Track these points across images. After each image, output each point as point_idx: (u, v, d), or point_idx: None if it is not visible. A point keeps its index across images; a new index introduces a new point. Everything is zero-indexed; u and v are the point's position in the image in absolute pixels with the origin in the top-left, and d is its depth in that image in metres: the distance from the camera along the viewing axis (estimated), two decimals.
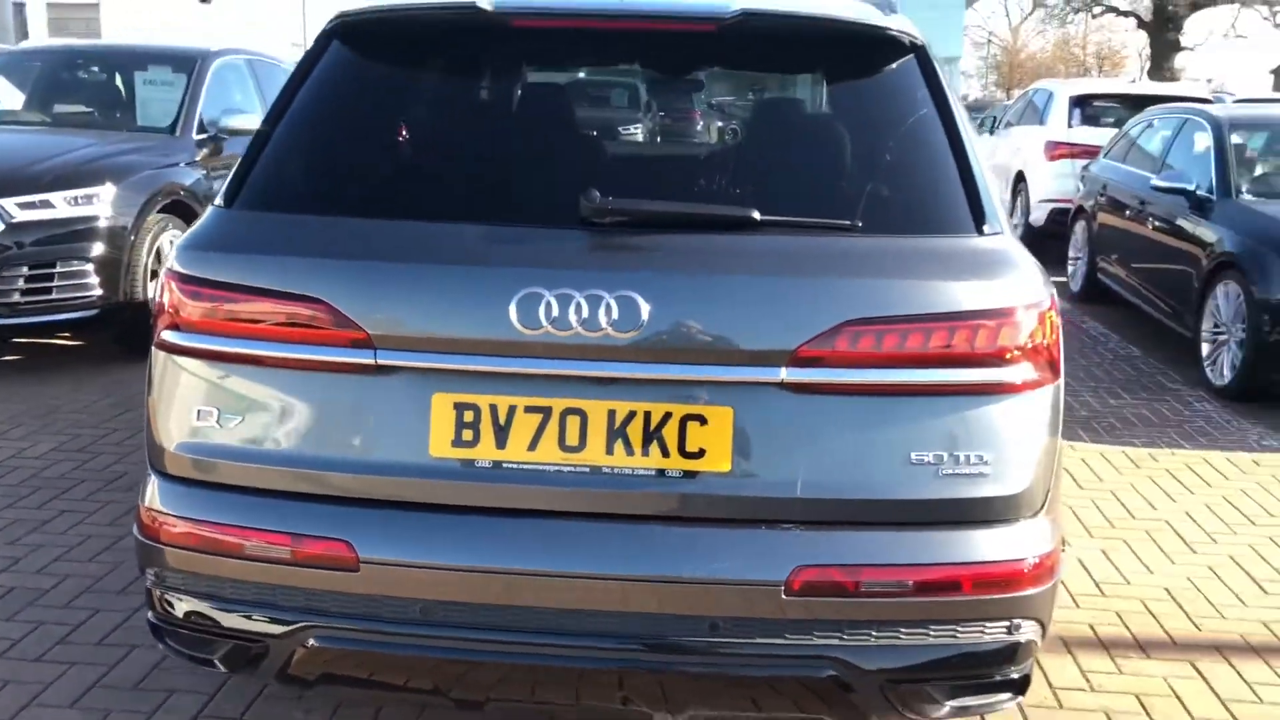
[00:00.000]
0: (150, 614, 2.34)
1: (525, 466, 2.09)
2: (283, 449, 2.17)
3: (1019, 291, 2.13)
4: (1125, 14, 52.11)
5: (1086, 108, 10.91)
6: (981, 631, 2.12)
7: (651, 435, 2.07)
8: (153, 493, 2.28)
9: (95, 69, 7.60)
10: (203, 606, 2.23)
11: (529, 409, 2.09)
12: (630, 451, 2.08)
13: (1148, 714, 2.91)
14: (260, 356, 2.17)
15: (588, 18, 2.38)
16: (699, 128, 2.57)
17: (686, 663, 2.10)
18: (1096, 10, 52.29)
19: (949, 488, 2.09)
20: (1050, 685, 3.02)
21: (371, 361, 2.10)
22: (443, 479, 2.11)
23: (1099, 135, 9.89)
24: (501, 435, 2.09)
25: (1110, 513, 4.34)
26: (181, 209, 6.39)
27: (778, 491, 2.07)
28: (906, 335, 2.06)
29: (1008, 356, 2.10)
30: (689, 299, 2.06)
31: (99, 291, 5.80)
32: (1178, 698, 2.99)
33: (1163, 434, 5.35)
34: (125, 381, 5.71)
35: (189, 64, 7.16)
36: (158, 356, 2.28)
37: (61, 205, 5.69)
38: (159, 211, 6.18)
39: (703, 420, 2.07)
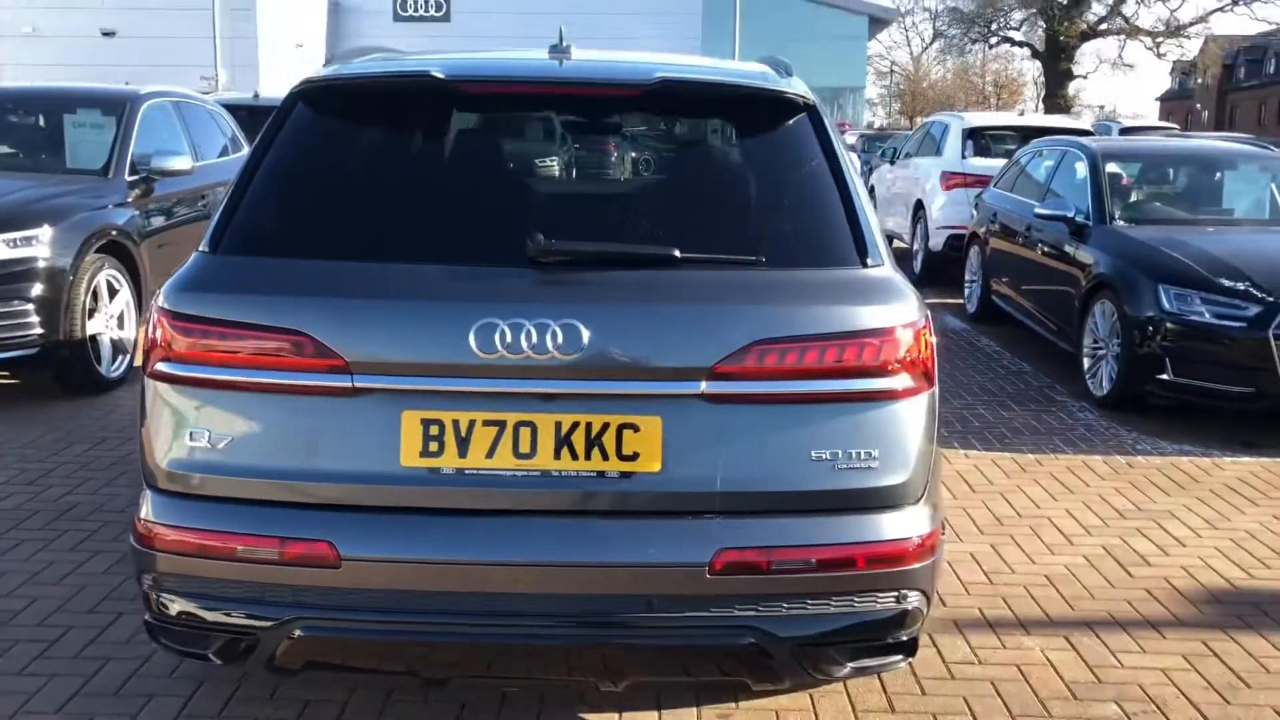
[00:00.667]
0: (147, 615, 2.62)
1: (484, 472, 2.43)
2: (269, 463, 2.47)
3: (897, 313, 2.53)
4: (1020, 44, 54.39)
5: (979, 139, 11.56)
6: (875, 601, 2.50)
7: (592, 442, 2.43)
8: (149, 506, 2.56)
9: (23, 112, 7.74)
10: (197, 606, 2.52)
11: (486, 422, 2.43)
12: (575, 457, 2.43)
13: (1026, 680, 3.33)
14: (248, 383, 2.47)
15: (528, 83, 2.75)
16: (624, 176, 2.94)
17: (627, 635, 2.45)
18: (994, 41, 54.49)
19: (844, 480, 2.48)
20: (944, 660, 3.43)
21: (349, 385, 2.43)
22: (413, 485, 2.44)
23: (990, 165, 10.53)
24: (463, 446, 2.43)
25: (999, 512, 4.79)
26: (117, 249, 6.59)
27: (701, 487, 2.44)
28: (805, 352, 2.45)
29: (889, 368, 2.50)
30: (622, 325, 2.42)
31: (39, 331, 5.96)
32: (1052, 666, 3.42)
33: (1048, 441, 5.86)
34: (67, 418, 5.88)
35: (119, 106, 7.34)
36: (151, 385, 2.57)
37: (1, 247, 5.86)
38: (95, 252, 6.35)
39: (635, 429, 2.43)
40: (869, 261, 2.60)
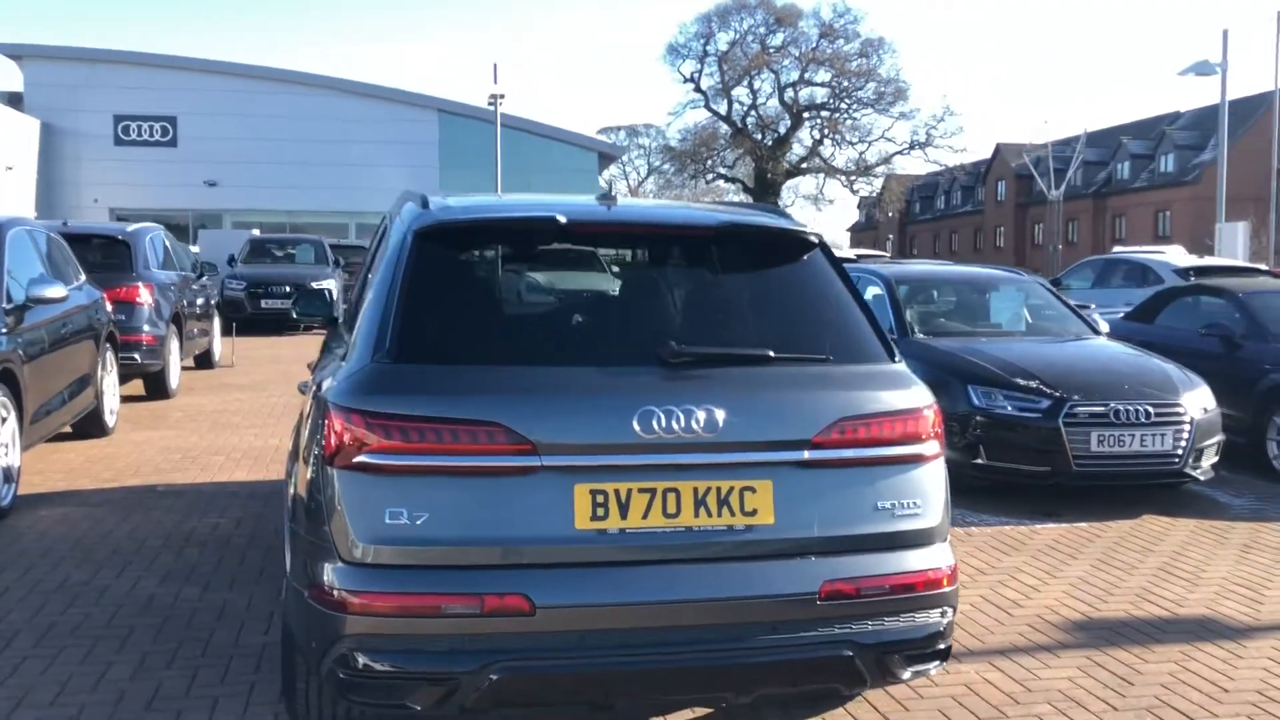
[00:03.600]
0: (341, 673, 3.01)
1: (642, 530, 3.05)
2: (464, 533, 2.99)
3: (924, 397, 3.39)
4: (732, 180, 59.20)
5: None
6: (927, 616, 3.28)
7: (722, 502, 3.11)
8: (345, 577, 2.99)
9: None
10: (399, 660, 2.97)
11: (641, 490, 3.07)
12: (710, 514, 3.10)
13: (978, 694, 4.19)
14: (446, 467, 3.00)
15: (628, 225, 3.49)
16: (706, 295, 3.68)
17: (758, 654, 3.09)
18: (709, 177, 59.05)
19: (901, 523, 3.27)
20: (908, 685, 4.23)
21: (537, 464, 3.01)
22: (586, 544, 3.02)
23: None
24: (624, 510, 3.05)
25: None
26: (5, 376, 6.56)
27: (804, 533, 3.16)
28: (872, 426, 3.25)
29: (925, 437, 3.34)
30: (745, 409, 3.14)
31: None
32: (991, 683, 4.30)
33: None
34: None
35: None
36: (343, 475, 3.03)
37: None
38: None
39: (754, 490, 3.13)
40: (895, 359, 3.46)
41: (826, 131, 54.07)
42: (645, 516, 3.06)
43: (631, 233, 3.62)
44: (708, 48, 54.15)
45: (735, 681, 3.18)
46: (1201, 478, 7.37)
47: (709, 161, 57.58)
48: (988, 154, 67.89)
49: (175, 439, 9.32)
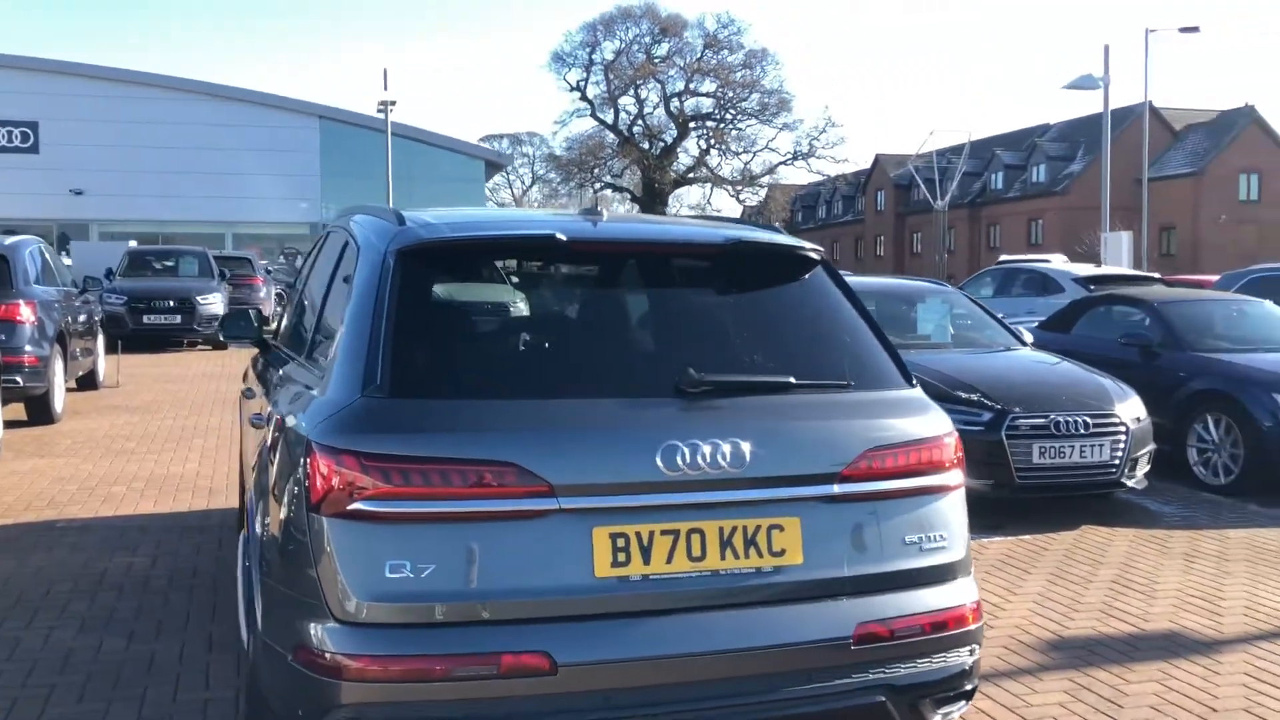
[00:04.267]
0: None
1: (666, 576, 2.80)
2: (474, 585, 2.70)
3: (946, 423, 3.22)
4: (621, 190, 59.20)
5: None
6: (957, 655, 3.10)
7: (749, 542, 2.88)
8: (338, 640, 2.67)
9: None
10: None
11: (664, 532, 2.82)
12: (736, 556, 2.86)
13: None
14: (452, 513, 2.70)
15: (632, 243, 3.23)
16: (713, 317, 3.42)
17: (796, 705, 2.87)
18: (597, 186, 58.96)
19: (929, 557, 3.09)
20: None
21: (555, 507, 2.73)
22: (607, 593, 2.76)
23: None
24: (645, 554, 2.79)
25: None
26: None
27: (834, 572, 2.95)
28: (898, 455, 3.07)
29: (948, 465, 3.17)
30: (771, 441, 2.91)
31: None
32: (986, 713, 4.16)
33: None
34: None
35: None
36: (335, 525, 2.71)
37: None
38: None
39: (781, 529, 2.91)
40: (913, 383, 3.28)
41: (713, 141, 54.60)
42: (669, 560, 2.81)
43: (636, 251, 3.35)
44: (593, 56, 54.20)
45: None
46: (1137, 487, 7.44)
47: (596, 170, 57.51)
48: (868, 164, 69.40)
49: (67, 468, 8.67)
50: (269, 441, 3.46)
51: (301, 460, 2.88)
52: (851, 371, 3.20)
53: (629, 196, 58.21)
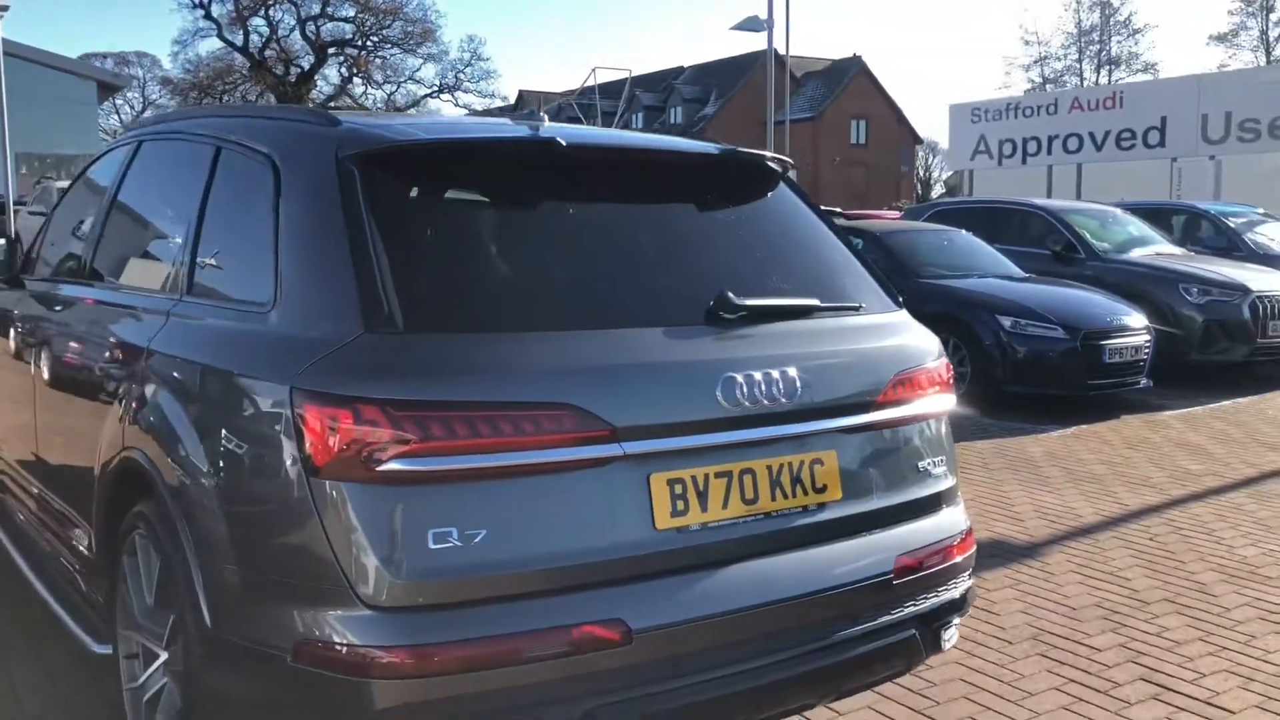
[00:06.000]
0: None
1: (723, 523, 2.51)
2: (533, 550, 2.28)
3: (937, 343, 3.11)
4: None
5: None
6: (963, 580, 3.03)
7: (795, 480, 2.64)
8: (373, 631, 2.18)
9: None
10: None
11: (718, 475, 2.52)
12: (785, 495, 2.62)
13: None
14: (505, 467, 2.26)
15: (631, 151, 2.84)
16: (716, 237, 3.03)
17: (846, 649, 2.68)
18: None
19: (935, 484, 2.99)
20: None
21: (619, 453, 2.35)
22: (669, 547, 2.43)
23: None
24: (702, 500, 2.49)
25: None
26: None
27: (868, 506, 2.78)
28: (916, 379, 2.92)
29: (945, 388, 3.07)
30: (817, 369, 2.68)
31: None
32: None
33: None
34: None
35: None
36: (360, 491, 2.19)
37: None
38: None
39: (821, 463, 2.70)
40: (900, 304, 3.15)
41: (355, 70, 52.15)
42: (725, 506, 2.52)
43: (637, 161, 2.94)
44: None
45: (827, 686, 2.75)
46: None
47: (225, 96, 53.33)
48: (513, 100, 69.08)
49: None
50: (135, 392, 2.83)
51: (278, 414, 2.31)
52: (855, 294, 3.02)
53: None
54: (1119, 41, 58.78)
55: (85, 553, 3.34)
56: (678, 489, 2.45)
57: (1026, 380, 8.73)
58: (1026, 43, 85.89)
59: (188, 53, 67.53)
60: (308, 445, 2.23)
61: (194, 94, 53.20)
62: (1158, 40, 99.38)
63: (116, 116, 66.26)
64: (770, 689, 2.57)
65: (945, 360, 3.09)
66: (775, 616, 2.55)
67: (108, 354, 3.22)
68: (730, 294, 2.62)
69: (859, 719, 3.48)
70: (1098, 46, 59.34)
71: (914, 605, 2.83)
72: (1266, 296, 10.34)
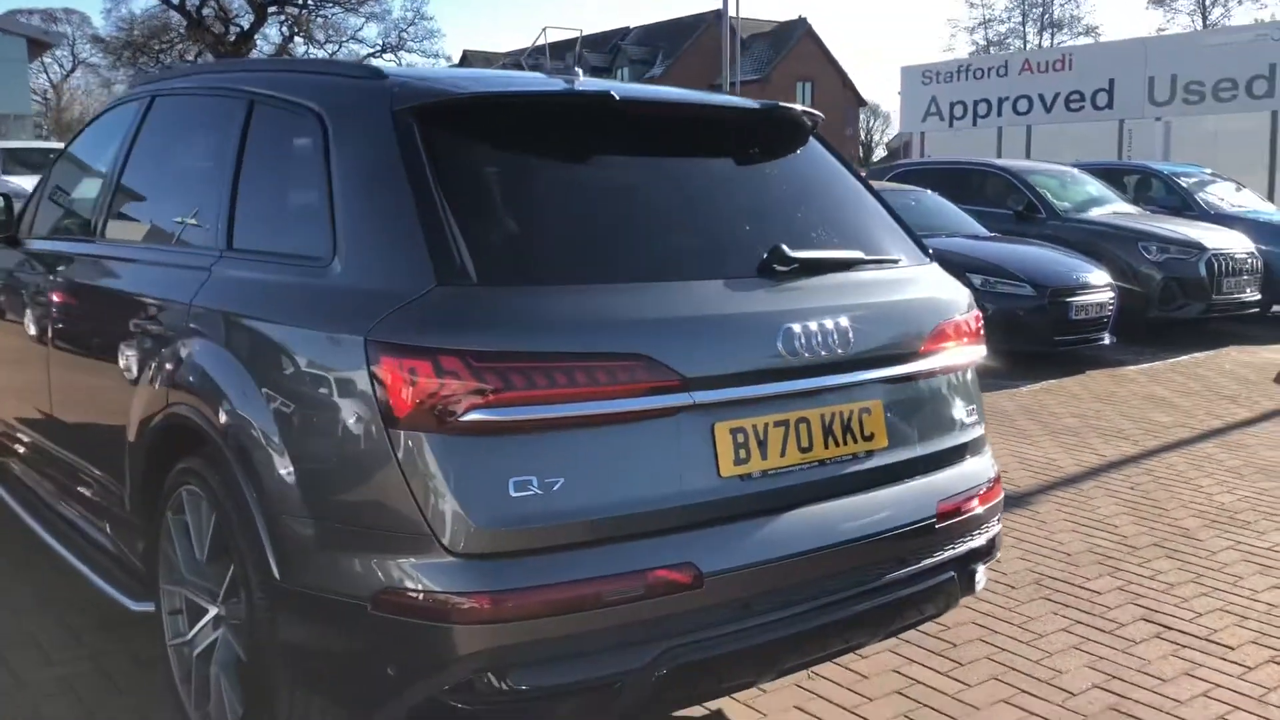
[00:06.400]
0: (461, 704, 2.24)
1: (782, 470, 2.58)
2: (607, 498, 2.33)
3: (969, 295, 3.19)
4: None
5: None
6: (994, 524, 3.13)
7: (846, 429, 2.71)
8: (463, 576, 2.22)
9: None
10: (549, 673, 2.26)
11: (776, 424, 2.58)
12: (837, 444, 2.69)
13: None
14: (580, 417, 2.30)
15: (682, 105, 2.89)
16: (776, 192, 3.07)
17: (892, 592, 2.76)
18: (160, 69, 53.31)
19: (969, 432, 3.08)
20: None
21: (689, 402, 2.40)
22: (732, 495, 2.49)
23: None
24: (763, 449, 2.55)
25: None
26: None
27: (911, 453, 2.86)
28: (955, 328, 3.00)
29: (980, 338, 3.15)
30: (868, 320, 2.74)
31: None
32: None
33: None
34: None
35: None
36: (442, 442, 2.22)
37: None
38: None
39: (869, 412, 2.77)
40: (931, 256, 3.22)
41: (296, 29, 51.10)
42: (783, 454, 2.59)
43: (685, 115, 2.98)
44: None
45: (880, 626, 2.84)
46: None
47: (161, 55, 52.00)
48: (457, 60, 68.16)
49: None
50: (177, 348, 2.85)
51: (351, 366, 2.32)
52: (891, 247, 3.08)
53: None
54: (1061, 4, 59.49)
55: (118, 511, 3.33)
56: (740, 438, 2.51)
57: (996, 337, 8.85)
58: (971, 4, 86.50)
59: (121, 10, 65.86)
60: (386, 397, 2.25)
61: (128, 53, 51.83)
62: (1099, 3, 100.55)
63: (45, 76, 64.43)
64: (830, 629, 2.65)
65: (976, 311, 3.17)
66: (832, 560, 2.62)
67: (138, 312, 3.19)
68: (784, 246, 2.67)
69: (882, 661, 3.59)
70: (1040, 9, 59.97)
71: (952, 548, 2.93)
72: (1221, 254, 10.62)
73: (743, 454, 2.51)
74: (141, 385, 3.08)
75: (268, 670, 2.54)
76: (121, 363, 3.22)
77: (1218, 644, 3.80)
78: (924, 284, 3.02)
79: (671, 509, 2.40)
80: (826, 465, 2.66)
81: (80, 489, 3.65)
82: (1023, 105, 22.00)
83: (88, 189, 4.00)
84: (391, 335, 2.27)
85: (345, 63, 2.97)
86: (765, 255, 2.66)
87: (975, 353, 3.11)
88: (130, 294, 3.34)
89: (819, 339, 2.61)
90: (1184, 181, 13.13)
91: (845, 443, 2.70)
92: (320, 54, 52.17)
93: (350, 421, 2.33)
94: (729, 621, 2.45)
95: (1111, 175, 13.43)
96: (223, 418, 2.66)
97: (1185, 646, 3.78)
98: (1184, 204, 12.67)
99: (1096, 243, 10.54)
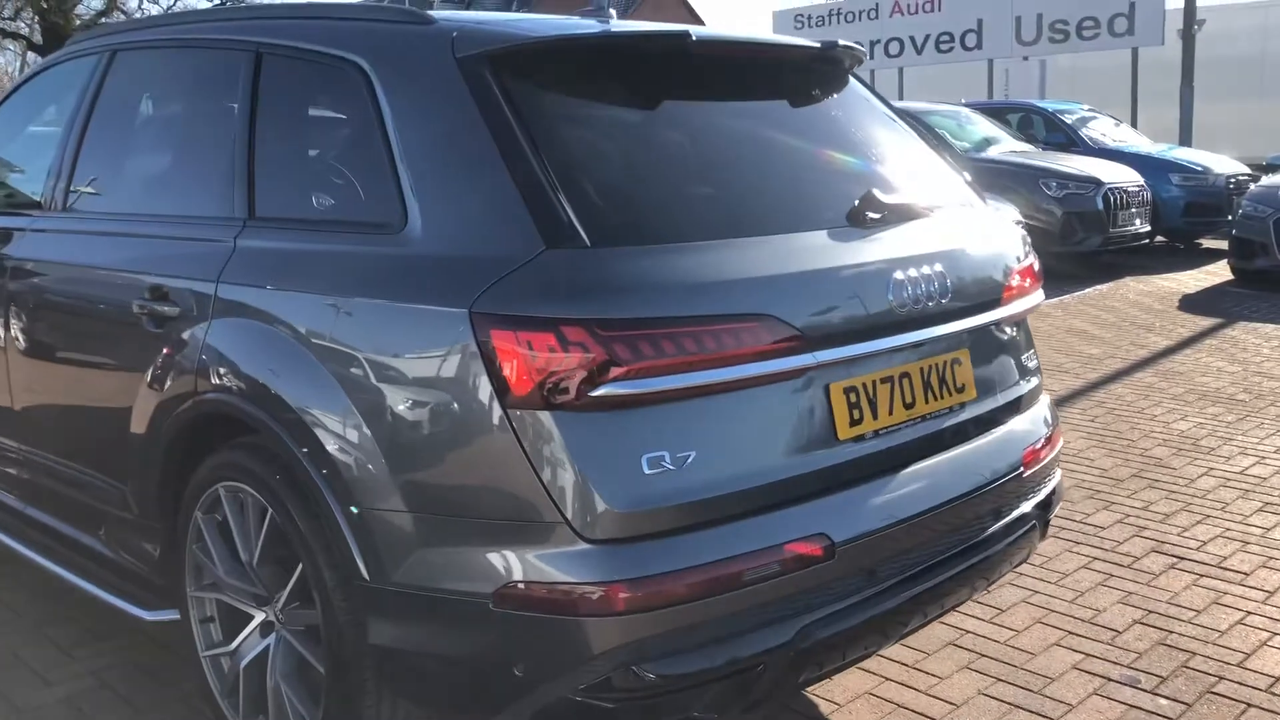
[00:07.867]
0: (606, 702, 2.06)
1: (891, 429, 2.46)
2: (739, 469, 2.17)
3: (1025, 237, 3.10)
4: (12, 36, 50.49)
5: None
6: (1057, 471, 3.08)
7: (941, 381, 2.61)
8: (600, 564, 2.03)
9: None
10: (695, 659, 2.10)
11: (882, 380, 2.46)
12: (935, 398, 2.58)
13: None
14: (708, 385, 2.13)
15: (757, 47, 2.70)
16: (842, 137, 2.88)
17: (993, 543, 2.68)
18: None
19: (1035, 377, 3.01)
20: None
21: (813, 363, 2.25)
22: (850, 459, 2.36)
23: None
24: (873, 408, 2.43)
25: None
26: None
27: (996, 403, 2.78)
28: (1025, 273, 2.91)
29: (1036, 283, 3.06)
30: (958, 269, 2.63)
31: None
32: None
33: None
34: None
35: None
36: (569, 420, 2.03)
37: None
38: None
39: (959, 363, 2.67)
40: (987, 200, 3.12)
41: None
42: (891, 412, 2.46)
43: (755, 55, 2.76)
44: None
45: (986, 579, 2.76)
46: None
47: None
48: None
49: None
50: (205, 332, 2.58)
51: (454, 342, 2.10)
52: (955, 192, 2.97)
53: (25, 45, 49.95)
54: None
55: (118, 514, 3.00)
56: (852, 397, 2.38)
57: None
58: None
59: None
60: (501, 374, 2.04)
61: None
62: None
63: None
64: (943, 588, 2.55)
65: (1034, 255, 3.09)
66: (944, 519, 2.52)
67: (133, 294, 2.85)
68: (877, 192, 2.53)
69: None
70: None
71: (1034, 495, 2.87)
72: (1116, 188, 10.94)
73: (856, 414, 2.38)
74: (151, 374, 2.76)
75: (352, 678, 2.31)
76: (114, 350, 2.89)
77: (1232, 570, 3.87)
78: (994, 229, 2.93)
79: (798, 477, 2.26)
80: (927, 420, 2.55)
81: (61, 492, 3.28)
82: (894, 48, 22.23)
83: (35, 156, 3.57)
84: (502, 306, 2.05)
85: (380, 7, 2.68)
86: (856, 203, 2.51)
87: (1039, 297, 3.03)
88: (116, 272, 2.99)
89: (922, 289, 2.49)
90: (1067, 119, 13.48)
91: (941, 396, 2.60)
92: (155, 9, 49.45)
93: (456, 403, 2.11)
94: (857, 590, 2.33)
95: (996, 113, 13.69)
96: (280, 406, 2.38)
97: (1204, 576, 3.84)
98: (1070, 140, 13.01)
99: (998, 180, 10.69)
